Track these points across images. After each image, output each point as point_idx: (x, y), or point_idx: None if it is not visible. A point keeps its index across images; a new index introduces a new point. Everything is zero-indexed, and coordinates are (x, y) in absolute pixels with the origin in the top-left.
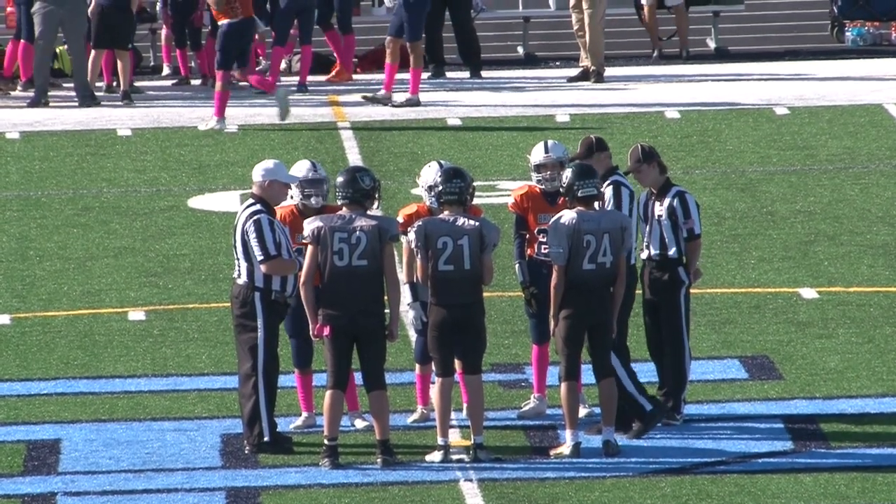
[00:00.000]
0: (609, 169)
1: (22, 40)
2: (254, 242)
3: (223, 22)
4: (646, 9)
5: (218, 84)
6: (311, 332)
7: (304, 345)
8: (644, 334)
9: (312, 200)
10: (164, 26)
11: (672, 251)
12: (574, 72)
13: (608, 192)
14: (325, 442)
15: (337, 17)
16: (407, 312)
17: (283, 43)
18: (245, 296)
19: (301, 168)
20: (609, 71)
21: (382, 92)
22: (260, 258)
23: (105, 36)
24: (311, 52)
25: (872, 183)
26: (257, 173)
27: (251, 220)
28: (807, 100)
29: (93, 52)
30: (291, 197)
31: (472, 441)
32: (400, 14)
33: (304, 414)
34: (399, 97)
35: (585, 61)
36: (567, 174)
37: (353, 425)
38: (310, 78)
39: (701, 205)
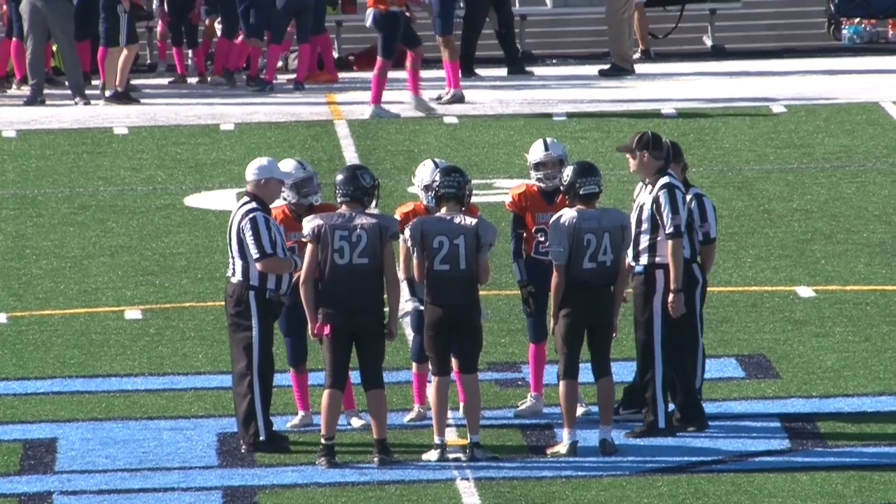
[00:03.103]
0: (658, 169)
1: (14, 39)
2: (249, 240)
3: (383, 9)
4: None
5: (376, 69)
6: (310, 332)
7: (298, 343)
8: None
9: (311, 198)
10: (160, 23)
11: (686, 251)
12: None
13: (662, 195)
14: (322, 441)
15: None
16: (406, 305)
17: (279, 41)
18: (240, 294)
19: (289, 166)
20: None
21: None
22: (255, 256)
23: (135, 32)
24: (309, 50)
25: (869, 181)
26: (251, 171)
27: (246, 218)
28: (803, 98)
29: (126, 50)
30: (284, 198)
31: (469, 440)
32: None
33: (301, 413)
34: (442, 95)
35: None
36: (568, 172)
37: (350, 424)
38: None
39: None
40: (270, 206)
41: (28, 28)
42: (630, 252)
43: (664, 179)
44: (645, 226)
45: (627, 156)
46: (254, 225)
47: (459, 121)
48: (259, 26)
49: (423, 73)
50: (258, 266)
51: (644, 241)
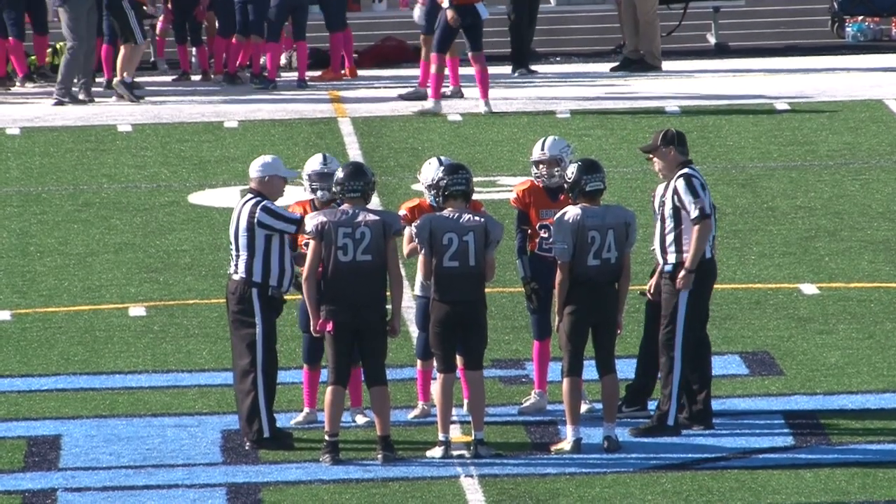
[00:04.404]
0: (681, 163)
1: (11, 38)
2: (275, 222)
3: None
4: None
5: (433, 66)
6: (312, 328)
7: (315, 340)
8: (643, 330)
9: (319, 194)
10: (160, 20)
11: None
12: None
13: (680, 183)
14: (326, 438)
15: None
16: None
17: (276, 38)
18: (242, 292)
19: (314, 162)
20: (609, 66)
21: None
22: (292, 228)
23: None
24: (307, 47)
25: (873, 178)
26: (255, 168)
27: (259, 207)
28: (807, 95)
29: (131, 47)
30: (306, 190)
31: (473, 437)
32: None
33: (306, 410)
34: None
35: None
36: (572, 169)
37: (354, 421)
38: (308, 73)
39: None
40: (298, 201)
41: (82, 29)
42: (657, 251)
43: (683, 170)
44: (669, 223)
45: (650, 156)
46: (270, 209)
47: (463, 118)
48: (258, 23)
49: (414, 71)
50: (298, 232)
51: (670, 238)
